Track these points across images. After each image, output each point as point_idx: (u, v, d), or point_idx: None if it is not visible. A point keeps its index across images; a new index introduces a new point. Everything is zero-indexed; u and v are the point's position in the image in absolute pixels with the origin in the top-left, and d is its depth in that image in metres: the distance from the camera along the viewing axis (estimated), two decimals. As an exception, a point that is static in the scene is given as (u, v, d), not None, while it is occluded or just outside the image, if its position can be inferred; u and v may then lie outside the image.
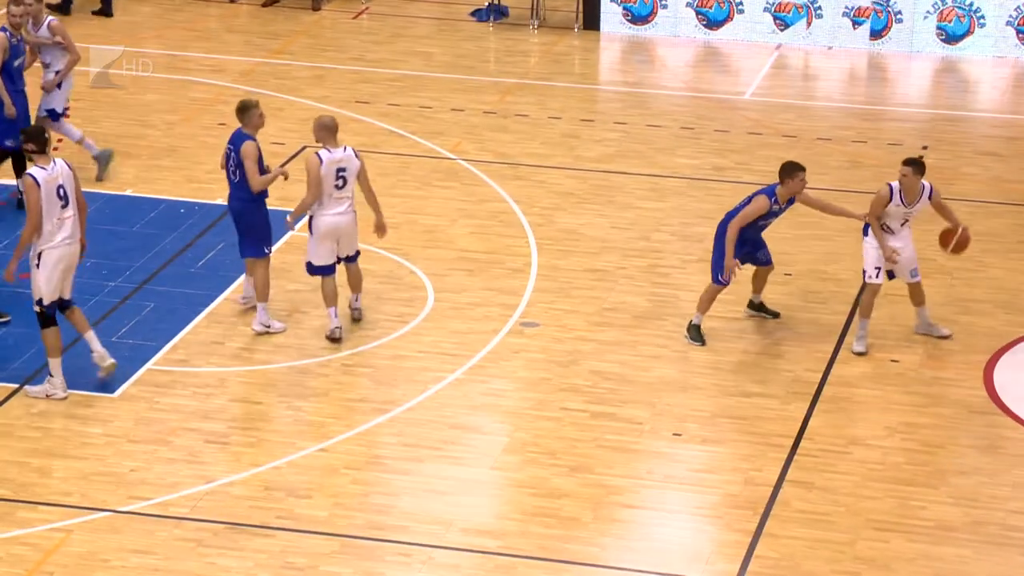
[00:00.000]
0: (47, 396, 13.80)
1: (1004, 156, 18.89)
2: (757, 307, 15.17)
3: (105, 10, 23.08)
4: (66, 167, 13.63)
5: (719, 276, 14.61)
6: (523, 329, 14.96)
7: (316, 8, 23.25)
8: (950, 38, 21.84)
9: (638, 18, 22.54)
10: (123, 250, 16.08)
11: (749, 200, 14.51)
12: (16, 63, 16.75)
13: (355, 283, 14.97)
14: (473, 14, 23.06)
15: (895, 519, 12.40)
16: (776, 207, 14.46)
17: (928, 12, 21.83)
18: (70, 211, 13.53)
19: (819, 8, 22.11)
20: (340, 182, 14.43)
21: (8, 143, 16.60)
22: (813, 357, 14.46)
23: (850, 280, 15.70)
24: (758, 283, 15.10)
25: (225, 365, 14.41)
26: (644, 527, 12.40)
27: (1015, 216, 17.31)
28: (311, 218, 14.55)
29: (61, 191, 13.45)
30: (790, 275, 15.83)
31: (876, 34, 22.03)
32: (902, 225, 14.49)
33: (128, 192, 17.53)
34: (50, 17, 17.34)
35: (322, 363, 14.44)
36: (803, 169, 14.46)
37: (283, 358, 14.48)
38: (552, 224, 16.95)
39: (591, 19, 22.70)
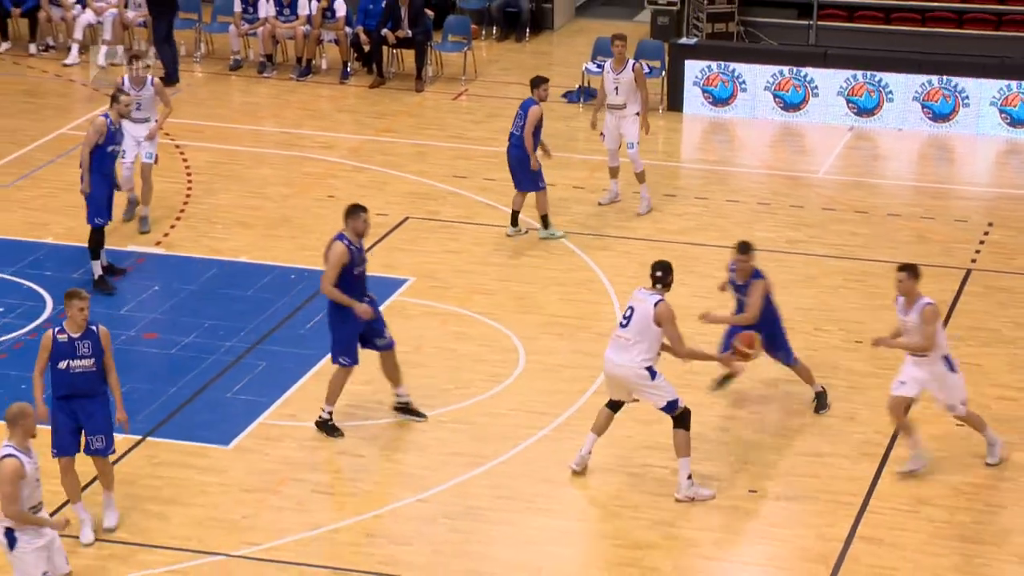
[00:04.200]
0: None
1: (1067, 234, 18.78)
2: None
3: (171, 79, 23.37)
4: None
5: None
6: (608, 389, 15.19)
7: (419, 90, 23.56)
8: (1014, 122, 21.83)
9: (719, 100, 22.73)
10: (239, 313, 16.46)
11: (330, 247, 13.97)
12: (109, 149, 16.88)
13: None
14: (564, 95, 23.28)
15: (960, 575, 12.65)
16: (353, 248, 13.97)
17: (994, 98, 21.90)
18: None
19: (890, 93, 22.20)
20: None
21: (97, 221, 16.90)
22: (882, 420, 14.36)
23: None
24: (392, 372, 14.59)
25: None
26: (721, 577, 12.63)
27: (1077, 291, 17.21)
28: None
29: None
30: (860, 342, 15.91)
31: (944, 117, 22.11)
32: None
33: (243, 259, 17.91)
34: (151, 76, 18.30)
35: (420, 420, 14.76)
36: (365, 209, 14.11)
37: (385, 415, 14.76)
38: (636, 292, 17.29)
39: (675, 101, 22.85)
